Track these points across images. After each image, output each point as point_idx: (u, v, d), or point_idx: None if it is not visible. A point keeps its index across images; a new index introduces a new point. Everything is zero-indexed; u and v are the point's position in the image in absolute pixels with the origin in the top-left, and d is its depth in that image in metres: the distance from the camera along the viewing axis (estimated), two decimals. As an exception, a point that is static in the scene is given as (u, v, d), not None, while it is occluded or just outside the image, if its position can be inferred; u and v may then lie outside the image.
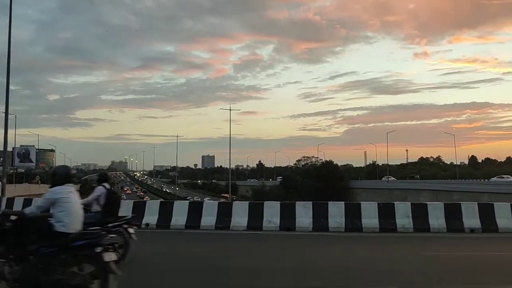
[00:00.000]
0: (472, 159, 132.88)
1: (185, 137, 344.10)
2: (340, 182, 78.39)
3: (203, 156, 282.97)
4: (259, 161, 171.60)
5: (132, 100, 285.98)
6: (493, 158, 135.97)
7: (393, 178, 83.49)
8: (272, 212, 15.18)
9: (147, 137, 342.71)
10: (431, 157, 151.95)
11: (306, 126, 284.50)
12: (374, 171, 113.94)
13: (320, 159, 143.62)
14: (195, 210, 15.60)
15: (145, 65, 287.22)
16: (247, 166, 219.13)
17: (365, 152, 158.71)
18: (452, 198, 62.69)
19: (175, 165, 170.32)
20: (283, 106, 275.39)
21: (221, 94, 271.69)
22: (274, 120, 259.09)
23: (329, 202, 15.44)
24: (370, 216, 14.82)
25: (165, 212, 15.68)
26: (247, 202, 16.79)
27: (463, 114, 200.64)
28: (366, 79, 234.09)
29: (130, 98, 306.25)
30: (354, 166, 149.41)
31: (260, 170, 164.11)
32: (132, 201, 17.00)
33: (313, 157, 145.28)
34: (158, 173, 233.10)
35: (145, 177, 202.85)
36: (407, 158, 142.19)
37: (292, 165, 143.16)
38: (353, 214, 14.83)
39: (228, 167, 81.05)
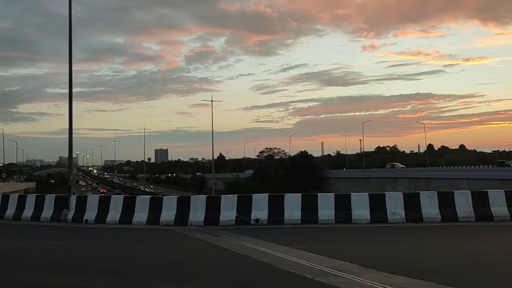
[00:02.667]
0: (430, 147, 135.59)
1: (137, 131, 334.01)
2: (315, 172, 77.11)
3: (156, 150, 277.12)
4: (220, 154, 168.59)
5: (80, 93, 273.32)
6: (448, 146, 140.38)
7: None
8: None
9: (96, 131, 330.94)
10: (388, 146, 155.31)
11: (259, 118, 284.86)
12: (339, 161, 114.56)
13: (283, 151, 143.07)
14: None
15: (93, 57, 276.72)
16: (202, 158, 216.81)
17: (322, 142, 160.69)
18: (431, 185, 62.49)
19: (129, 159, 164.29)
20: (236, 98, 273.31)
21: (173, 87, 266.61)
22: (227, 113, 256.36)
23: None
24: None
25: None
26: (266, 194, 14.63)
27: (408, 105, 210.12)
28: (316, 71, 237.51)
29: (77, 91, 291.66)
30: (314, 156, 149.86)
31: (222, 163, 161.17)
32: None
33: (275, 148, 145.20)
34: (110, 168, 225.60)
35: (104, 173, 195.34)
36: (361, 148, 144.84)
37: (256, 156, 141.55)
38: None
39: (212, 159, 77.62)
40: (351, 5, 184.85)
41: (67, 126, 16.96)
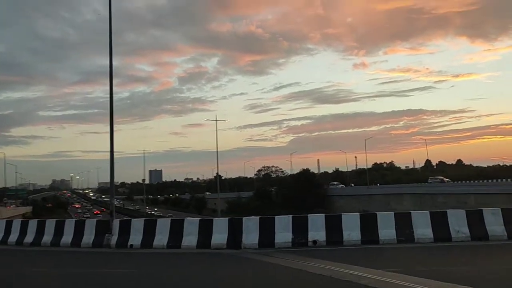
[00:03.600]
0: (428, 162, 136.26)
1: (131, 152, 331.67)
2: (318, 189, 76.77)
3: (150, 171, 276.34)
4: (217, 173, 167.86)
5: (73, 115, 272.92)
6: (445, 161, 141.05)
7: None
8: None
9: (90, 153, 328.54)
10: (385, 162, 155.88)
11: (252, 136, 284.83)
12: (337, 178, 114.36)
13: (281, 169, 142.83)
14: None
15: (86, 79, 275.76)
16: (198, 178, 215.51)
17: (318, 160, 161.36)
18: (437, 201, 62.31)
19: (123, 181, 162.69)
20: (229, 118, 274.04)
21: (167, 107, 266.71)
22: (221, 132, 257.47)
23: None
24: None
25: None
26: (323, 214, 14.19)
27: (400, 121, 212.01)
28: (309, 90, 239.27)
29: (70, 114, 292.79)
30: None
31: (219, 182, 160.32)
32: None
33: (273, 166, 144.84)
34: (106, 190, 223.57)
35: (102, 195, 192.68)
36: (356, 165, 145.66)
37: (254, 175, 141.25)
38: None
39: (216, 178, 76.84)
40: (341, 24, 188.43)
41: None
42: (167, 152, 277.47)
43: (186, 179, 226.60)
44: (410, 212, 13.63)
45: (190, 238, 14.00)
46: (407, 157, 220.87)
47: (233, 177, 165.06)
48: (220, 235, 13.76)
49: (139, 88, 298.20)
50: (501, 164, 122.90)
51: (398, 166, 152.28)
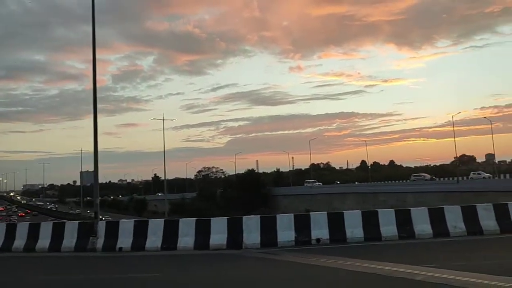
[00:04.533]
0: (363, 163, 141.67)
1: (60, 152, 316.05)
2: (263, 190, 76.99)
3: (81, 172, 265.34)
4: (155, 174, 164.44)
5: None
6: (379, 162, 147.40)
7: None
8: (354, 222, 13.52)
9: (14, 153, 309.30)
10: (321, 163, 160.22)
11: (189, 137, 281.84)
12: (278, 178, 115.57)
13: (221, 170, 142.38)
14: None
15: (10, 75, 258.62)
16: (132, 180, 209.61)
17: (257, 160, 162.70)
18: (378, 199, 64.62)
19: (52, 183, 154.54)
20: (165, 118, 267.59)
21: (99, 106, 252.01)
22: (156, 132, 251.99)
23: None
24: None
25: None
26: (325, 212, 14.12)
27: (333, 123, 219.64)
28: (246, 91, 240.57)
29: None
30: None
31: (156, 183, 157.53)
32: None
33: (213, 167, 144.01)
34: (34, 192, 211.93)
35: (32, 199, 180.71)
36: (293, 165, 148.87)
37: (194, 176, 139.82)
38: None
39: (164, 179, 74.90)
40: (278, 27, 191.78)
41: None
42: (99, 152, 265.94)
43: (120, 180, 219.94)
44: (410, 209, 13.82)
45: (186, 239, 13.34)
46: (339, 158, 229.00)
47: (170, 178, 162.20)
48: (219, 235, 13.23)
49: (69, 85, 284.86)
50: (430, 165, 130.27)
51: (333, 166, 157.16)
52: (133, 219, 14.56)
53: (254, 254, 12.26)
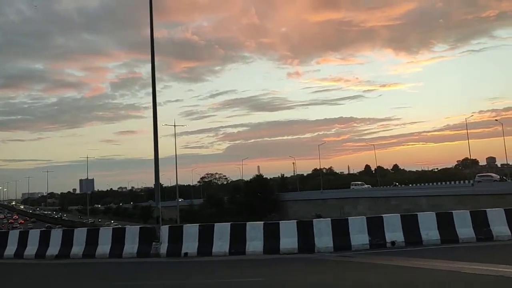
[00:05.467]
0: (367, 168, 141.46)
1: (59, 161, 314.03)
2: (271, 195, 76.64)
3: (81, 180, 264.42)
4: (176, 180, 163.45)
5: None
6: (383, 166, 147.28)
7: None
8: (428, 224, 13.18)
9: (13, 162, 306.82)
10: (324, 168, 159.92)
11: (188, 144, 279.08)
12: (283, 183, 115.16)
13: (224, 176, 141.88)
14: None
15: (8, 84, 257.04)
16: (132, 187, 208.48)
17: (258, 166, 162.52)
18: (391, 203, 64.26)
19: (51, 191, 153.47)
20: (165, 124, 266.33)
21: (98, 114, 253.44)
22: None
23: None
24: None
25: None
26: (398, 214, 13.75)
27: (332, 128, 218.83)
28: (245, 97, 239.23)
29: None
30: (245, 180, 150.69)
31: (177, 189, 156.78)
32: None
33: (216, 173, 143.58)
34: (35, 201, 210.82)
35: (37, 207, 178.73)
36: (294, 171, 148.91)
37: (197, 183, 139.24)
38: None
39: (176, 184, 74.17)
40: (276, 34, 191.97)
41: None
42: (98, 160, 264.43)
43: (120, 187, 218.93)
44: (486, 210, 13.43)
45: (255, 244, 12.95)
46: (338, 163, 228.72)
47: (170, 185, 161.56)
48: (289, 239, 12.85)
49: (68, 93, 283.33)
50: (437, 168, 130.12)
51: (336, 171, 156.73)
52: (197, 224, 14.11)
53: (331, 257, 11.90)
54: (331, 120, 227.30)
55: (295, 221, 13.33)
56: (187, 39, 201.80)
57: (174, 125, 66.63)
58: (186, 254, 13.16)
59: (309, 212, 67.37)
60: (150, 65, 15.76)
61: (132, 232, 13.94)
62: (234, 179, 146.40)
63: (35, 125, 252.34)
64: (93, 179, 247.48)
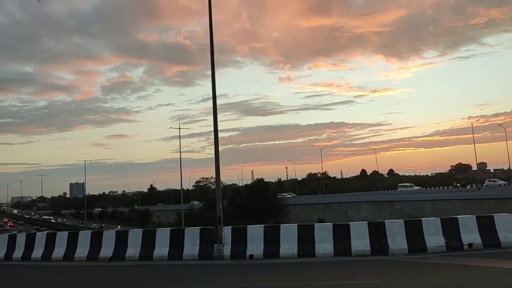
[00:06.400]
0: (363, 172, 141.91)
1: (48, 164, 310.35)
2: (272, 199, 76.09)
3: (71, 184, 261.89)
4: (151, 185, 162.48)
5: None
6: (379, 171, 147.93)
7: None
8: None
9: (1, 166, 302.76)
10: (319, 172, 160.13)
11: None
12: (280, 187, 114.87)
13: (221, 181, 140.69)
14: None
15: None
16: (123, 191, 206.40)
17: (252, 171, 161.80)
18: (394, 208, 64.11)
19: (41, 195, 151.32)
20: (155, 129, 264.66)
21: (89, 117, 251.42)
22: (147, 143, 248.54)
23: None
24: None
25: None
26: (474, 216, 13.38)
27: (323, 133, 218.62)
28: (236, 102, 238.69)
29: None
30: (239, 185, 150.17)
31: (153, 194, 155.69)
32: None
33: (211, 177, 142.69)
34: (26, 205, 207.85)
35: (31, 212, 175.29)
36: (287, 175, 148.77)
37: (192, 187, 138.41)
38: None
39: (217, 186, 73.16)
40: (267, 39, 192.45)
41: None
42: (88, 164, 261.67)
43: (111, 192, 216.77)
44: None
45: (325, 245, 12.51)
46: (330, 167, 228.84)
47: (162, 189, 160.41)
48: (360, 240, 12.41)
49: (58, 97, 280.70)
50: (434, 173, 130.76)
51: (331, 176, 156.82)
52: (262, 225, 13.60)
53: (414, 259, 11.45)
54: (323, 125, 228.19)
55: (366, 222, 12.89)
56: (179, 43, 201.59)
57: (179, 128, 65.65)
58: (251, 256, 12.65)
59: (311, 217, 67.03)
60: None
61: (192, 233, 13.38)
62: (227, 183, 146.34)
63: (24, 129, 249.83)
64: (83, 183, 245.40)
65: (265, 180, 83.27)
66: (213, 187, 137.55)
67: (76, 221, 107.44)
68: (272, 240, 12.75)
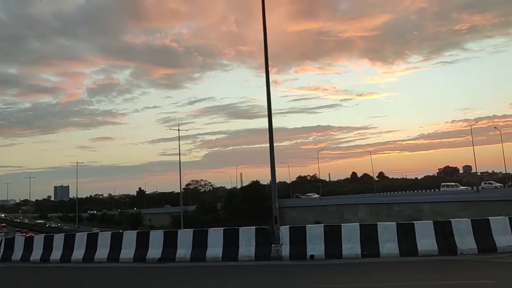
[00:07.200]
0: (353, 175, 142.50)
1: (32, 167, 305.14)
2: (267, 202, 75.56)
3: (55, 187, 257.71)
4: (139, 188, 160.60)
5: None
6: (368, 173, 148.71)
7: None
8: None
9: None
10: (308, 175, 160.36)
11: (166, 151, 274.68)
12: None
13: (210, 183, 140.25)
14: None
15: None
16: (109, 194, 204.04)
17: (241, 174, 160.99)
18: (392, 210, 64.12)
19: (25, 198, 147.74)
20: (141, 131, 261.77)
21: (74, 120, 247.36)
22: (133, 146, 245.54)
23: None
24: None
25: None
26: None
27: (310, 136, 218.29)
28: (223, 105, 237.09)
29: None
30: (228, 187, 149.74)
31: (141, 197, 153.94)
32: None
33: (201, 180, 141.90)
34: (11, 208, 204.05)
35: (20, 216, 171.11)
36: (274, 178, 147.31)
37: (183, 190, 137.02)
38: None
39: (180, 192, 72.01)
40: (254, 42, 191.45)
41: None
42: (73, 166, 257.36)
43: (97, 195, 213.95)
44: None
45: (389, 245, 12.06)
46: (317, 170, 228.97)
47: (149, 191, 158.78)
48: (427, 240, 11.99)
49: (43, 99, 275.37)
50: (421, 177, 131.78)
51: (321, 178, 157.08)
52: (322, 224, 13.06)
53: (487, 259, 11.06)
54: (309, 128, 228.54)
55: (431, 221, 12.46)
56: (166, 46, 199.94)
57: (178, 129, 64.81)
58: (312, 256, 12.12)
59: (308, 219, 66.57)
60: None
61: (247, 233, 12.79)
62: (217, 186, 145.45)
63: (8, 131, 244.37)
64: (68, 186, 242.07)
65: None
66: (202, 190, 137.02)
67: (69, 224, 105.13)
68: (333, 239, 12.24)
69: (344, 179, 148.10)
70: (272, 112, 15.50)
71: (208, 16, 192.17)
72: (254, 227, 13.07)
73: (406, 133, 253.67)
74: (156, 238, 13.29)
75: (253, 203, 73.13)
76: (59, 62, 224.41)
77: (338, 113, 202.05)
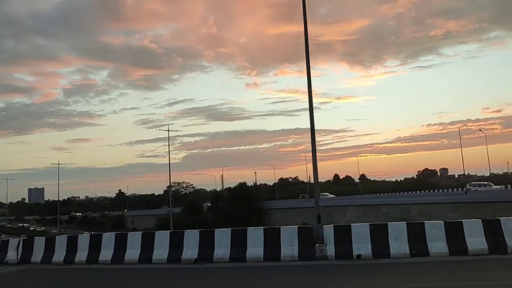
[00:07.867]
0: (336, 177, 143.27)
1: (5, 169, 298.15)
2: (255, 204, 75.16)
3: (29, 189, 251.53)
4: (119, 190, 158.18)
5: None
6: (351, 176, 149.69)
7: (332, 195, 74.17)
8: None
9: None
10: (290, 177, 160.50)
11: (144, 152, 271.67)
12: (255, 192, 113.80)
13: (191, 185, 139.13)
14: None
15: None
16: (86, 196, 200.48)
17: (222, 176, 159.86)
18: (381, 211, 64.39)
19: (6, 201, 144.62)
20: (119, 133, 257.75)
21: (49, 121, 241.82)
22: (110, 148, 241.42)
23: None
24: None
25: None
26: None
27: (289, 139, 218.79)
28: (203, 106, 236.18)
29: None
30: (208, 190, 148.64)
31: (121, 200, 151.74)
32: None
33: (183, 182, 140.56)
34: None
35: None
36: (256, 180, 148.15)
37: (163, 192, 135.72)
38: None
39: (170, 193, 70.84)
40: (234, 44, 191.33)
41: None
42: (48, 168, 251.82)
43: (73, 197, 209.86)
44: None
45: (438, 244, 11.77)
46: (295, 173, 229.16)
47: (128, 194, 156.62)
48: (476, 239, 11.70)
49: (17, 99, 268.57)
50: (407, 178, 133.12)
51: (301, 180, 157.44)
52: (367, 223, 12.64)
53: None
54: (288, 131, 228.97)
55: (480, 220, 12.20)
56: (145, 47, 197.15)
57: (168, 130, 63.90)
58: (358, 256, 11.69)
59: (295, 220, 66.30)
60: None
61: (289, 232, 12.31)
62: (198, 188, 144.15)
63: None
64: (43, 188, 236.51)
65: (232, 185, 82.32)
66: (184, 192, 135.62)
67: (51, 227, 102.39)
68: (379, 239, 11.85)
69: (326, 181, 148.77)
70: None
71: (188, 18, 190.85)
72: (297, 226, 12.60)
73: (384, 136, 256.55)
74: (192, 238, 12.66)
75: (241, 204, 72.64)
76: (34, 62, 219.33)
77: (317, 116, 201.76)
